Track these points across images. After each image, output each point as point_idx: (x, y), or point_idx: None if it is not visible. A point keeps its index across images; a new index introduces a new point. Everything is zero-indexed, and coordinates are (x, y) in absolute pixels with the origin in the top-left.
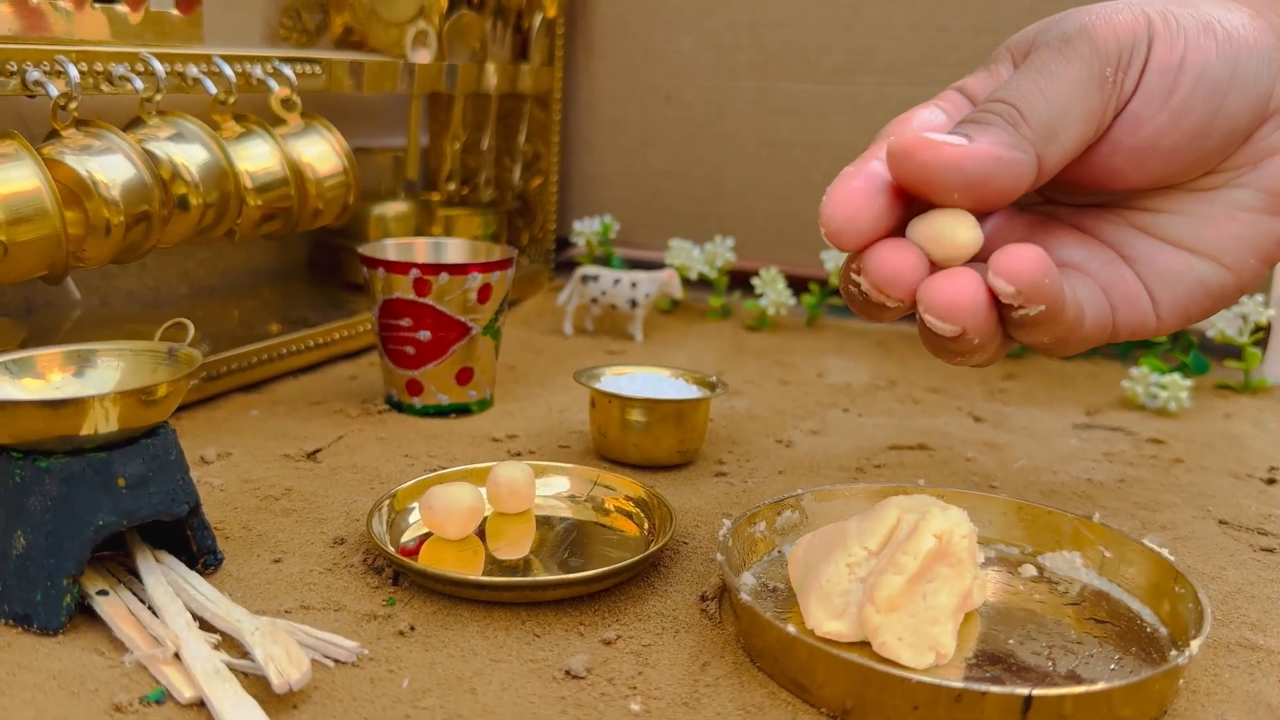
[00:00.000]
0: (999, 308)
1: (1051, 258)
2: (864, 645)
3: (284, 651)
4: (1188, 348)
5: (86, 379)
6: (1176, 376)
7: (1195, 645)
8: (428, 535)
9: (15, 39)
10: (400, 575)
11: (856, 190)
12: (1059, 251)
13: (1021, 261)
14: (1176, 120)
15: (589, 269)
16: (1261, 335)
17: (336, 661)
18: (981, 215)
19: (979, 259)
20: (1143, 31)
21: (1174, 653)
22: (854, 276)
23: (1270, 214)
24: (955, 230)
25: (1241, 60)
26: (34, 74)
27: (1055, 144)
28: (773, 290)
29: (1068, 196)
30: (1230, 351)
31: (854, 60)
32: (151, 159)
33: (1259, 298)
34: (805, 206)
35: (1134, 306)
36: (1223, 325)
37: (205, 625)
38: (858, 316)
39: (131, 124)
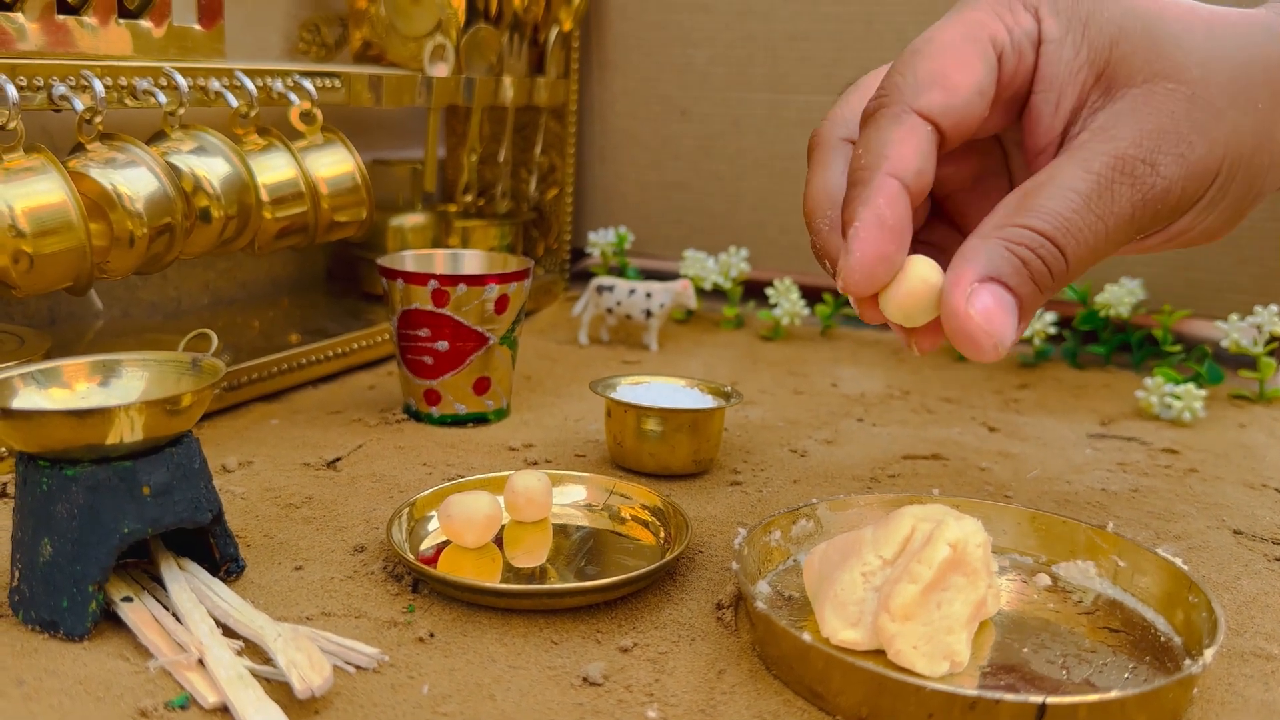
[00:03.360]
0: None
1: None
2: (879, 654)
3: (306, 658)
4: (1202, 358)
5: (112, 389)
6: (1191, 386)
7: (1209, 654)
8: (446, 543)
9: (42, 54)
10: (420, 583)
11: (875, 251)
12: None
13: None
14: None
15: (604, 279)
16: (1276, 345)
17: (358, 668)
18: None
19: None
20: (1201, 198)
21: (1188, 662)
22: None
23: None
24: (923, 314)
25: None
26: (60, 89)
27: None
28: (787, 300)
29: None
30: (1245, 361)
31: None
32: (174, 172)
33: (1273, 308)
34: None
35: None
36: (1237, 335)
37: (228, 632)
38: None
39: (155, 137)
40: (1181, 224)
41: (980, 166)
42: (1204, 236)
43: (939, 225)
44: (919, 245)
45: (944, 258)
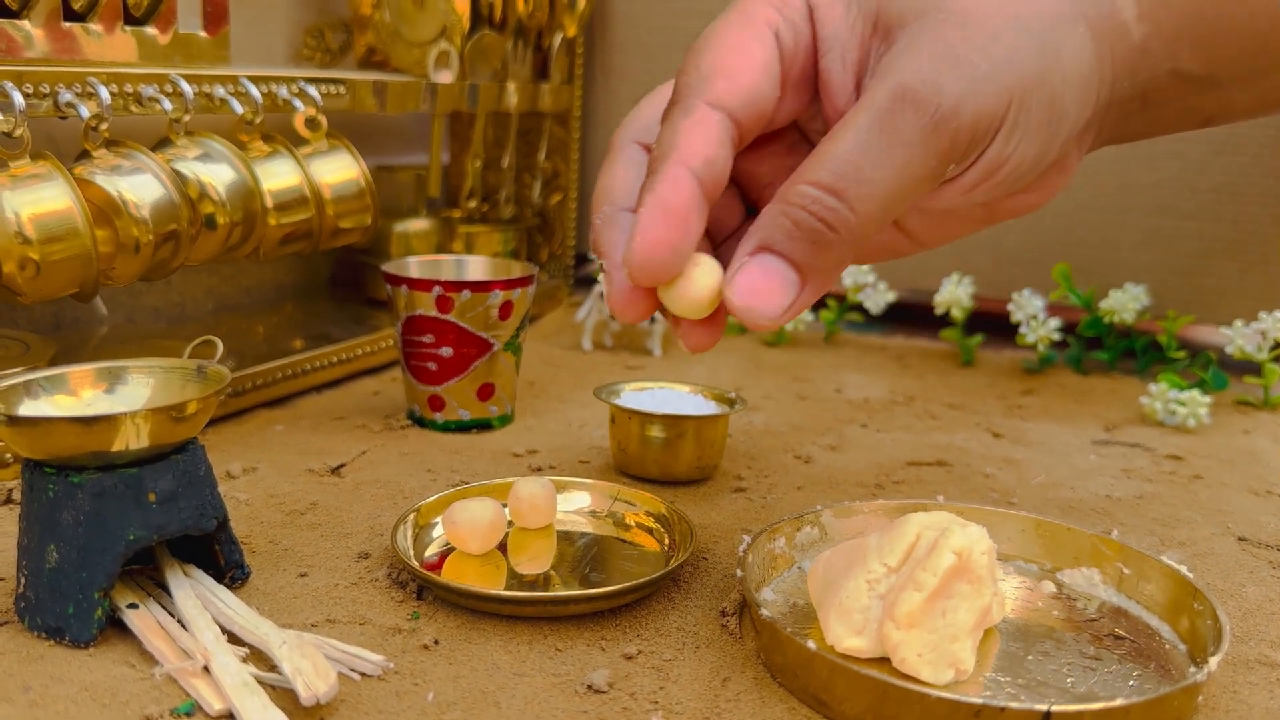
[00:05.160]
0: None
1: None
2: (884, 661)
3: (311, 665)
4: (1207, 364)
5: (118, 396)
6: (1195, 393)
7: (1214, 662)
8: (451, 550)
9: (48, 61)
10: (424, 590)
11: (657, 237)
12: None
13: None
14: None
15: None
16: None
17: (362, 675)
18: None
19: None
20: (999, 122)
21: (1193, 669)
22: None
23: (986, 221)
24: (703, 308)
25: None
26: (66, 96)
27: (864, 241)
28: None
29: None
30: (1250, 368)
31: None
32: (179, 179)
33: (1278, 313)
34: None
35: None
36: (1242, 341)
37: (233, 638)
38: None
39: (160, 144)
40: (992, 154)
41: (789, 161)
42: (1016, 183)
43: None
44: (736, 243)
45: None
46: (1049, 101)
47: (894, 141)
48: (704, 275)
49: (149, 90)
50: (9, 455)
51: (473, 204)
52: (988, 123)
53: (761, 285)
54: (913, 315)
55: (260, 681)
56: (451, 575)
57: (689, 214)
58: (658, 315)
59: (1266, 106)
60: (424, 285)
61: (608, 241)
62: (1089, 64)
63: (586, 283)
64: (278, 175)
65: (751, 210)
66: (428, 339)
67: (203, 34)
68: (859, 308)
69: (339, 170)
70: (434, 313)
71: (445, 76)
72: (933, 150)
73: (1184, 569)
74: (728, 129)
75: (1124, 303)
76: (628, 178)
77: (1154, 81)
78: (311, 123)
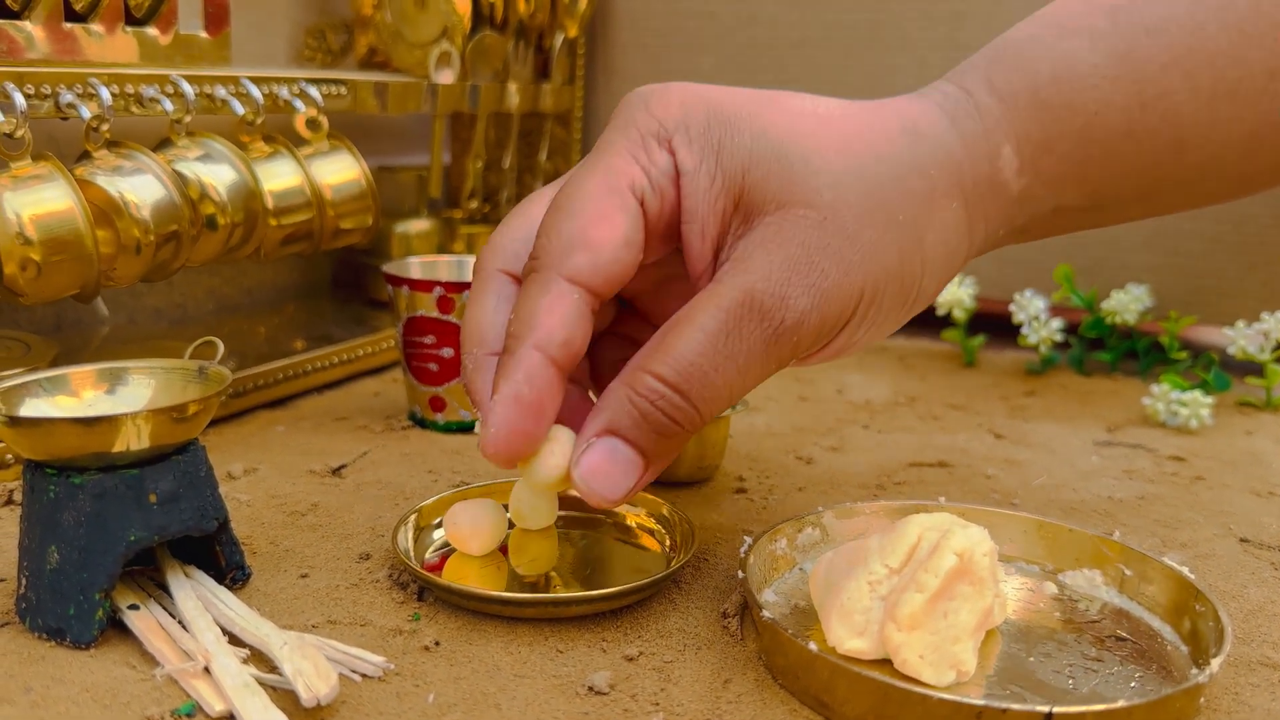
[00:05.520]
0: None
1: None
2: (885, 663)
3: (312, 666)
4: (1209, 365)
5: (119, 396)
6: (1197, 394)
7: (1216, 663)
8: (452, 551)
9: (49, 62)
10: (425, 591)
11: (510, 427)
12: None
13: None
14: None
15: None
16: None
17: (363, 676)
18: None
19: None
20: (846, 320)
21: (1194, 671)
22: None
23: None
24: (553, 486)
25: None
26: (67, 96)
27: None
28: None
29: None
30: (1252, 368)
31: (874, 80)
32: (181, 179)
33: None
34: None
35: None
36: (1244, 342)
37: (234, 640)
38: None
39: (161, 144)
40: (838, 343)
41: (662, 273)
42: (873, 344)
43: (632, 319)
44: (614, 338)
45: (637, 348)
46: (903, 291)
47: (737, 349)
48: (556, 455)
49: (150, 91)
50: (10, 456)
51: (474, 204)
52: (834, 324)
53: (608, 470)
54: (915, 316)
55: (261, 683)
56: (452, 576)
57: (543, 403)
58: None
59: (1156, 213)
60: (425, 286)
61: (478, 389)
62: (957, 236)
63: None
64: (279, 176)
65: (624, 303)
66: (429, 340)
67: (204, 34)
68: None
69: (340, 171)
70: (435, 313)
71: (446, 77)
72: (773, 357)
73: (1186, 570)
74: (585, 304)
75: (1126, 304)
76: (496, 317)
77: (1034, 219)
78: (313, 123)
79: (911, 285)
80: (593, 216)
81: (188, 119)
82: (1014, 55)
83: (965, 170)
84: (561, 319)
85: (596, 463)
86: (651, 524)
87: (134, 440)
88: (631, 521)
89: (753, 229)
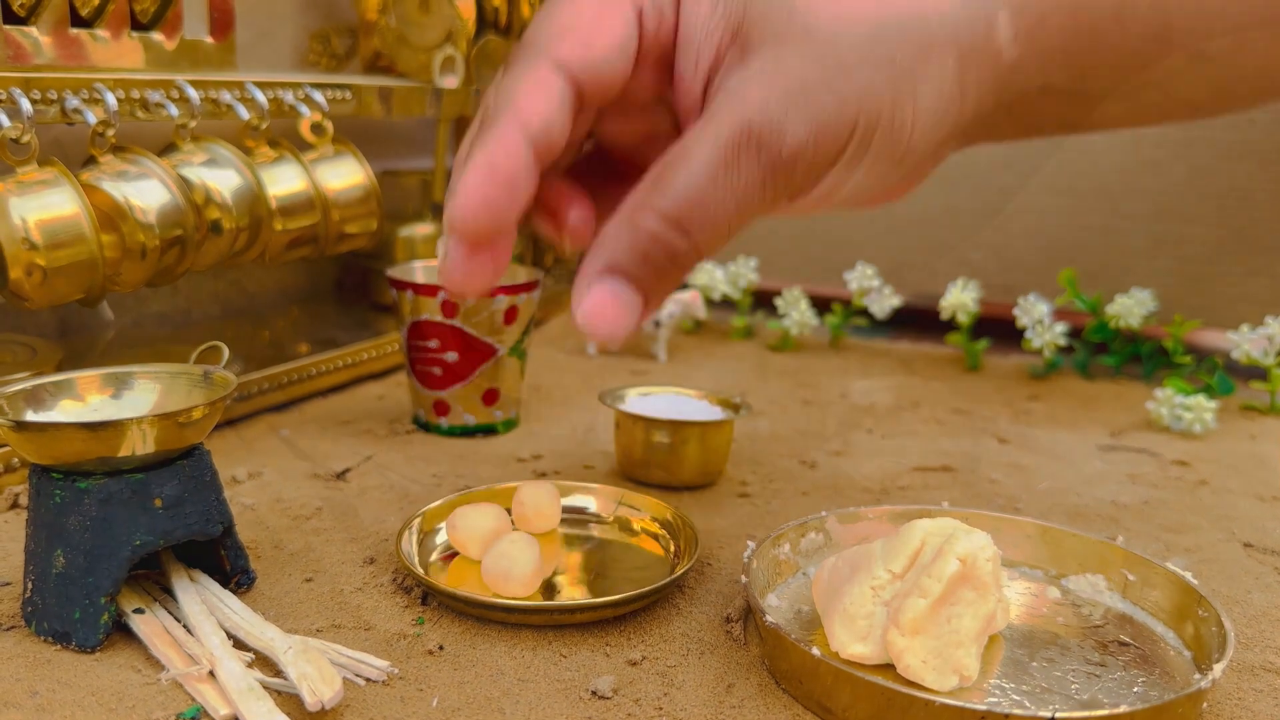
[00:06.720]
0: None
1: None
2: (888, 668)
3: (316, 670)
4: (1213, 369)
5: (124, 401)
6: (1201, 398)
7: (1218, 669)
8: (455, 555)
9: (55, 68)
10: (429, 595)
11: (480, 195)
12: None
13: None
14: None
15: None
16: None
17: (367, 680)
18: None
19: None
20: (837, 154)
21: (1197, 676)
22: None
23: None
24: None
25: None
26: (73, 102)
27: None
28: (796, 311)
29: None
30: (1256, 373)
31: None
32: (185, 184)
33: None
34: (828, 227)
35: None
36: (1248, 347)
37: (239, 644)
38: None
39: (166, 149)
40: (826, 184)
41: (650, 126)
42: (856, 200)
43: (615, 183)
44: (594, 200)
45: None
46: (892, 138)
47: (736, 181)
48: (525, 556)
49: (155, 96)
50: (16, 460)
51: None
52: (827, 157)
53: (610, 309)
54: (918, 320)
55: (266, 687)
56: (456, 581)
57: (515, 177)
58: (661, 320)
59: (1139, 118)
60: (429, 290)
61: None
62: (949, 94)
63: None
64: (283, 180)
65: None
66: (433, 344)
67: (209, 40)
68: (864, 312)
69: (344, 175)
70: (439, 318)
71: (450, 81)
72: (770, 190)
73: (1189, 575)
74: (569, 92)
75: (1130, 308)
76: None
77: (1022, 97)
78: (317, 128)
79: (901, 134)
80: (590, 17)
81: (193, 124)
82: None
83: (962, 29)
84: (544, 101)
85: (599, 303)
86: (655, 528)
87: (139, 445)
88: (635, 525)
89: (749, 62)
